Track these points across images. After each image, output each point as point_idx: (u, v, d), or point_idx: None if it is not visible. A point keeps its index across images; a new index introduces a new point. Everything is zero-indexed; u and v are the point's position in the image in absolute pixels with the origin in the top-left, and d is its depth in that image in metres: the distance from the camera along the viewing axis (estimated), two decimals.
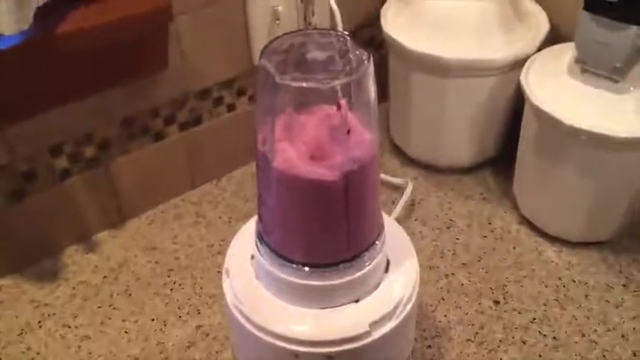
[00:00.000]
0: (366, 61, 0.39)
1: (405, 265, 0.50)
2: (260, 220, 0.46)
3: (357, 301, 0.47)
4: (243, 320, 0.47)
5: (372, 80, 0.40)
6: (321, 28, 0.41)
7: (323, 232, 0.43)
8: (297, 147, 0.40)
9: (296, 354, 0.45)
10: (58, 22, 0.58)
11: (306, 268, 0.45)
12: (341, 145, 0.40)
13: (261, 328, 0.46)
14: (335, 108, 0.39)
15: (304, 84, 0.38)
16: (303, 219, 0.43)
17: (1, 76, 0.58)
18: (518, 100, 0.73)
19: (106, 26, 0.60)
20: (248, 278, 0.49)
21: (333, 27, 0.76)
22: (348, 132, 0.39)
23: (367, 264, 0.46)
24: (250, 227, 0.52)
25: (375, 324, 0.46)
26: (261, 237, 0.46)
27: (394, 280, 0.49)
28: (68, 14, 0.59)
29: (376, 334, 0.46)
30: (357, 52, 0.40)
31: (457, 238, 0.73)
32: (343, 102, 0.38)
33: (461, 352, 0.61)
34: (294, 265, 0.45)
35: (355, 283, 0.46)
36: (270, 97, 0.40)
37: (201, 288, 0.68)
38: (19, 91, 0.60)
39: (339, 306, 0.46)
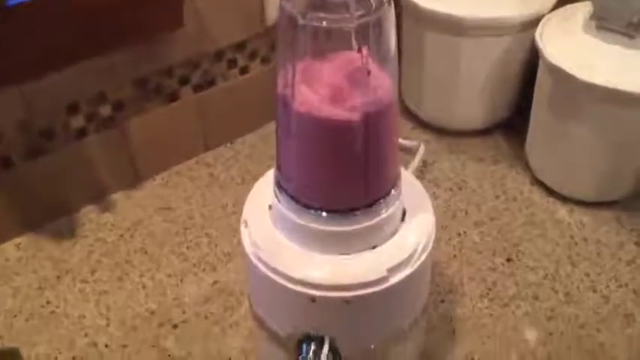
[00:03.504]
0: (385, 3, 0.40)
1: (420, 215, 0.50)
2: (278, 168, 0.47)
3: (374, 247, 0.47)
4: (261, 267, 0.47)
5: (392, 23, 0.40)
6: None
7: (341, 177, 0.44)
8: (317, 90, 0.41)
9: (313, 298, 0.45)
10: None
11: (324, 214, 0.45)
12: (361, 87, 0.40)
13: (279, 274, 0.46)
14: (355, 52, 0.40)
15: (325, 23, 0.38)
16: (322, 163, 0.43)
17: (14, 33, 0.58)
18: (532, 61, 0.73)
19: None
20: (266, 227, 0.49)
21: None
22: (369, 73, 0.40)
23: (384, 211, 0.46)
24: (266, 180, 0.52)
25: (392, 270, 0.46)
26: (279, 185, 0.47)
27: (410, 229, 0.49)
28: None
29: (393, 280, 0.46)
30: None
31: (469, 199, 0.74)
32: (364, 45, 0.39)
33: (474, 307, 0.62)
34: (312, 211, 0.45)
35: (372, 230, 0.46)
36: (292, 40, 0.40)
37: (216, 246, 0.69)
38: (33, 48, 0.60)
39: (356, 252, 0.47)
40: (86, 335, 0.60)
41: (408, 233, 0.49)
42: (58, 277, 0.66)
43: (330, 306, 0.46)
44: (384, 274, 0.46)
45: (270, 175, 0.51)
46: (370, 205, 0.46)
